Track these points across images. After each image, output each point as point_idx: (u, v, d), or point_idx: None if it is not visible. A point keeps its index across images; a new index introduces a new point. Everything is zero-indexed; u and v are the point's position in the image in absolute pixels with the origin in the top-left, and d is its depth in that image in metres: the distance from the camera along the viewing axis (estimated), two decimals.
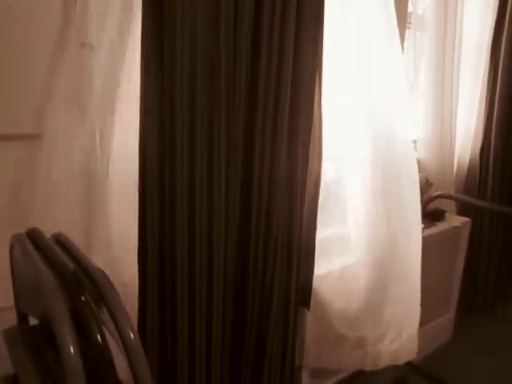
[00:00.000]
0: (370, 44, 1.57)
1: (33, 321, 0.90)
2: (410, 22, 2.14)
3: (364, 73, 1.58)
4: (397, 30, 1.59)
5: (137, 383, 0.68)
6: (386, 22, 1.57)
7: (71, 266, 0.72)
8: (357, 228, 1.68)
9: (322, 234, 1.60)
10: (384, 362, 1.75)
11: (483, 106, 2.41)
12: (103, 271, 0.72)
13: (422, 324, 2.19)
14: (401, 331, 1.76)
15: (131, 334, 0.65)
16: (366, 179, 1.64)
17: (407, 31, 2.11)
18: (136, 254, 1.20)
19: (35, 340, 0.86)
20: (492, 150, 2.42)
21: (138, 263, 1.19)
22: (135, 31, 1.14)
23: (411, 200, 1.68)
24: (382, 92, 1.61)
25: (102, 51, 1.17)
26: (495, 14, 2.31)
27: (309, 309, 1.56)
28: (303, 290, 1.55)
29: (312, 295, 1.57)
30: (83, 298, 0.66)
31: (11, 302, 0.92)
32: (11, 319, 0.92)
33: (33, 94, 1.10)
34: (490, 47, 2.34)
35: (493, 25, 2.32)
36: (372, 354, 1.72)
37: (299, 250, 1.50)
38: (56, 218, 1.14)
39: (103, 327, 0.70)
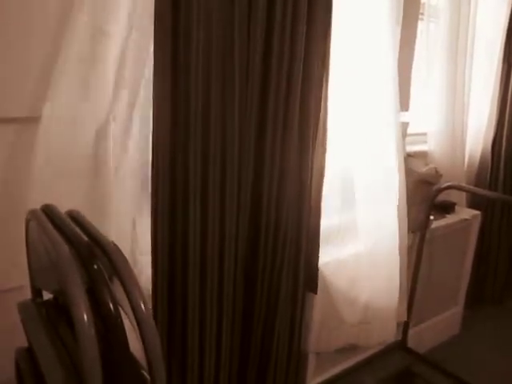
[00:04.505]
0: (368, 46, 1.60)
1: (46, 297, 0.93)
2: (422, 13, 2.13)
3: (360, 71, 1.61)
4: (397, 29, 1.64)
5: (147, 355, 0.70)
6: (385, 18, 1.60)
7: (86, 239, 0.74)
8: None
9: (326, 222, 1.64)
10: (375, 340, 1.82)
11: (496, 97, 2.39)
12: (116, 245, 0.74)
13: (430, 316, 2.20)
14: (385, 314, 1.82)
15: (142, 305, 0.67)
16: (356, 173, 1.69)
17: (420, 22, 2.09)
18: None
19: (49, 314, 0.88)
20: (504, 142, 2.41)
21: (151, 247, 1.21)
22: (148, 19, 1.15)
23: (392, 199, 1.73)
24: (372, 88, 1.64)
25: (115, 38, 1.18)
26: (511, 4, 2.29)
27: (316, 293, 1.58)
28: (310, 275, 1.57)
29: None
30: (95, 267, 0.68)
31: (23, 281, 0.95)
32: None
33: (33, 79, 1.10)
34: (504, 38, 2.32)
35: (508, 15, 2.30)
36: (365, 330, 1.77)
37: (307, 235, 1.51)
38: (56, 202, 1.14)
39: (116, 299, 0.72)
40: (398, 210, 1.73)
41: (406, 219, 1.78)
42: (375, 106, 1.65)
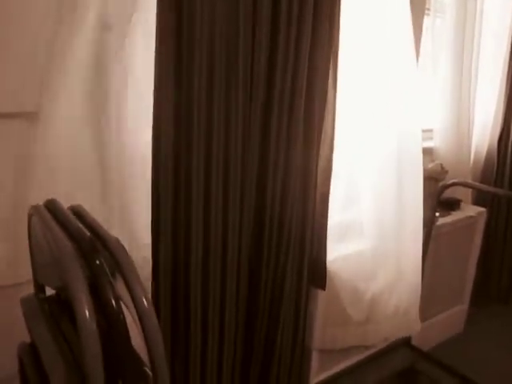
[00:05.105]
0: (383, 42, 1.58)
1: (49, 292, 0.93)
2: (429, 9, 2.11)
3: (375, 68, 1.60)
4: (410, 26, 1.61)
5: (149, 350, 0.69)
6: (399, 14, 1.59)
7: (88, 234, 0.73)
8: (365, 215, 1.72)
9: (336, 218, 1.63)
10: (383, 337, 1.83)
11: (503, 93, 2.37)
12: (118, 240, 0.73)
13: (434, 314, 2.19)
14: (401, 309, 1.81)
15: (144, 300, 0.67)
16: (373, 170, 1.68)
17: (426, 17, 2.07)
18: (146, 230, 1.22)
19: (52, 309, 0.88)
20: (511, 138, 2.39)
21: (152, 239, 1.21)
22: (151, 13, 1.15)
23: (414, 191, 1.71)
24: (392, 87, 1.63)
25: (118, 31, 1.18)
26: None
27: (324, 289, 1.58)
28: (318, 272, 1.56)
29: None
30: (98, 262, 0.68)
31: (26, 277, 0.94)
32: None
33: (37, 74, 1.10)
34: (510, 33, 2.30)
35: None
36: (374, 330, 1.76)
37: (313, 231, 1.51)
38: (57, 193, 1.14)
39: (118, 294, 0.72)
40: (411, 206, 1.72)
41: (422, 215, 1.77)
42: (389, 98, 1.63)
